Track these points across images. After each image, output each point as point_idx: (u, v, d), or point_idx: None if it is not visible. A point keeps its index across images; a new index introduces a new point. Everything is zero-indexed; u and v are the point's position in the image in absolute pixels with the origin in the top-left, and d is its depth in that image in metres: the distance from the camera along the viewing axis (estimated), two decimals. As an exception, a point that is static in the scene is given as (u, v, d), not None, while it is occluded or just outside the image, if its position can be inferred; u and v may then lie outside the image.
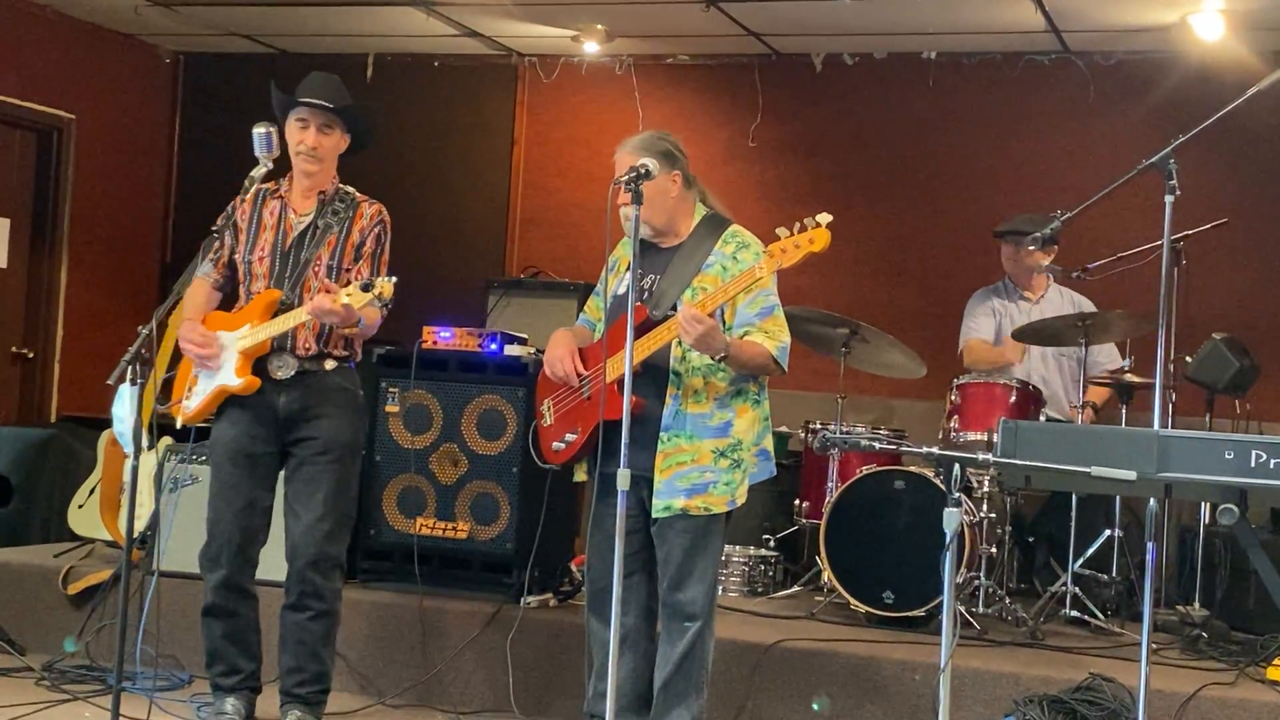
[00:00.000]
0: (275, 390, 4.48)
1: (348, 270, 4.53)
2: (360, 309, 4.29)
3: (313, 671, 4.58)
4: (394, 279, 4.31)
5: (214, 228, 4.47)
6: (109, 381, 3.96)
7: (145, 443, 3.91)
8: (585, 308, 4.53)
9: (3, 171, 7.78)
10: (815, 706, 4.83)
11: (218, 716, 4.57)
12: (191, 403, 4.53)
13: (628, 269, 4.25)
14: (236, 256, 4.58)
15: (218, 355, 4.46)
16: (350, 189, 4.65)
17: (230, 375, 4.45)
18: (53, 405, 7.99)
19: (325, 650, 4.61)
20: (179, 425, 4.62)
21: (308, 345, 4.48)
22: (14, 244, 7.79)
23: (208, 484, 4.60)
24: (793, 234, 3.94)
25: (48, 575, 5.70)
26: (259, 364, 4.46)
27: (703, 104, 7.95)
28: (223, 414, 4.54)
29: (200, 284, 4.61)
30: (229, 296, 4.66)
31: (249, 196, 4.59)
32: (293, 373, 4.47)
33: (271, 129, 4.38)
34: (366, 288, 4.24)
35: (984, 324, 6.45)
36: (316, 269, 4.49)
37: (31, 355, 7.91)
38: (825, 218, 3.91)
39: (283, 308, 4.44)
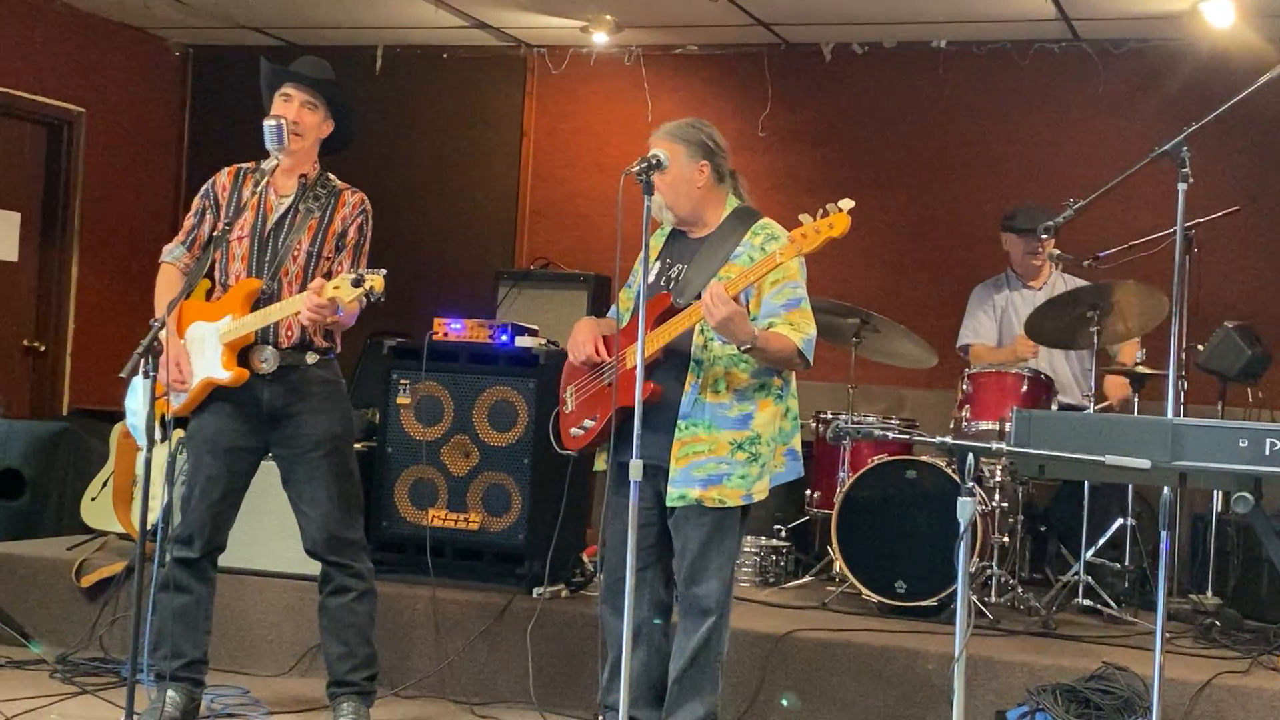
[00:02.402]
0: (259, 384, 4.42)
1: (328, 259, 4.46)
2: (348, 304, 4.17)
3: (364, 655, 4.55)
4: (384, 272, 4.17)
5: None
6: (121, 374, 3.94)
7: (158, 435, 3.90)
8: (617, 299, 4.49)
9: (13, 165, 7.79)
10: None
11: (152, 711, 4.32)
12: (178, 398, 4.44)
13: (657, 258, 4.25)
14: (216, 234, 4.43)
15: (185, 386, 4.41)
16: (332, 176, 4.57)
17: (217, 368, 4.38)
18: (65, 398, 8.00)
19: (372, 632, 4.58)
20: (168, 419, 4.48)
21: (290, 333, 4.41)
22: (25, 238, 7.80)
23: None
24: (814, 220, 3.93)
25: (61, 568, 5.71)
26: (241, 355, 4.40)
27: (712, 94, 7.93)
28: (205, 405, 4.46)
29: (171, 270, 4.52)
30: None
31: (229, 172, 4.54)
32: (276, 366, 4.40)
33: (283, 120, 4.37)
34: (357, 282, 4.11)
35: (984, 327, 6.43)
36: (296, 255, 4.42)
37: (43, 349, 7.92)
38: (847, 203, 3.90)
39: (263, 297, 4.39)
